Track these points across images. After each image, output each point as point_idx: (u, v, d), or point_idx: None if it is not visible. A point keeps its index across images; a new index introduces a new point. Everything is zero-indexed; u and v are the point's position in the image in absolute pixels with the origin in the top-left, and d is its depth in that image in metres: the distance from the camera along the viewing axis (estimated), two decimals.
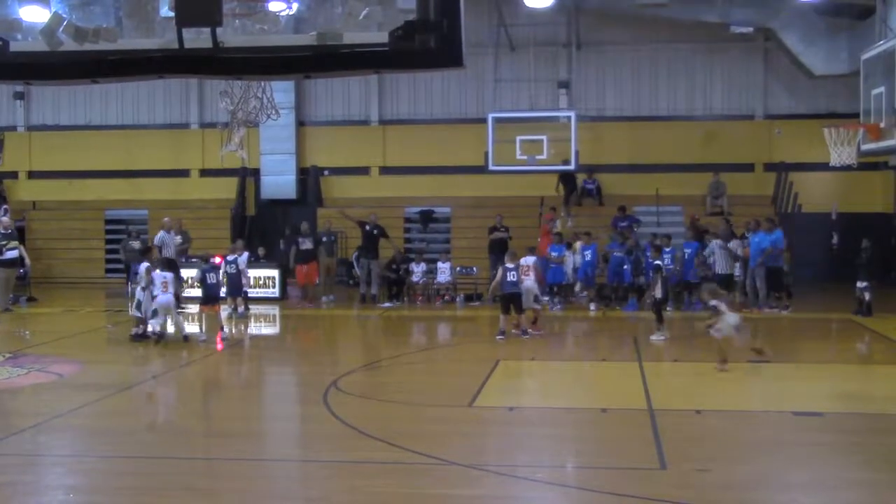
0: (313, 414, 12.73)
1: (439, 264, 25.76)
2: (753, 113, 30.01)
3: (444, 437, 11.40)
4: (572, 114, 25.88)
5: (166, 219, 24.66)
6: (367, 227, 24.74)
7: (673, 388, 14.45)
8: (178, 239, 26.39)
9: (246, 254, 23.20)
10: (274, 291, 25.28)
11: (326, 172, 31.43)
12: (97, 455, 10.96)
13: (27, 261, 24.68)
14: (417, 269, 25.47)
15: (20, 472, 10.29)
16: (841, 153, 21.51)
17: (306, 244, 24.81)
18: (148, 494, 9.34)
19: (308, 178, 31.26)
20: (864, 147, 20.63)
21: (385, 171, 31.37)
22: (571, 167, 26.05)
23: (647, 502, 8.80)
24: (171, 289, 17.89)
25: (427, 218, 30.14)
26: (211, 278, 19.66)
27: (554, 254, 24.05)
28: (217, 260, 23.05)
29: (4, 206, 29.79)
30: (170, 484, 9.69)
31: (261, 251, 26.50)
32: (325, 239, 25.35)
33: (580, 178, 29.47)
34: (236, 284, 22.46)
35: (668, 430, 11.42)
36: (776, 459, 10.42)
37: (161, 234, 24.08)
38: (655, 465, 10.08)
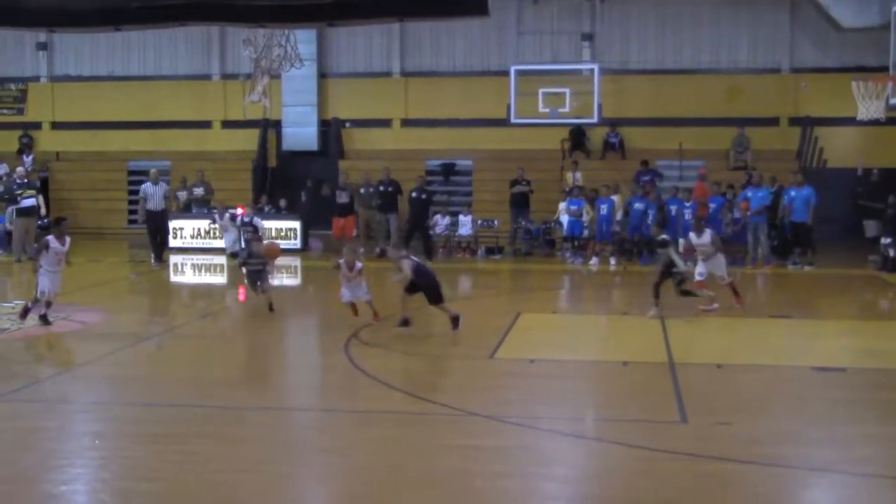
0: (334, 364, 12.79)
1: (461, 217, 25.75)
2: (779, 66, 29.68)
3: (465, 388, 11.45)
4: (595, 67, 25.66)
5: (153, 170, 24.58)
6: (382, 187, 24.74)
7: (694, 342, 14.44)
8: (201, 190, 26.47)
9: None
10: (296, 243, 25.32)
11: (348, 124, 31.34)
12: (121, 402, 11.07)
13: (43, 210, 24.76)
14: (442, 222, 25.48)
15: (46, 419, 10.41)
16: (869, 107, 21.29)
17: (343, 198, 24.72)
18: (171, 441, 9.42)
19: (330, 129, 31.18)
20: (894, 101, 20.39)
21: (407, 123, 31.27)
22: (594, 120, 25.86)
23: (668, 455, 8.82)
24: None
25: (449, 171, 30.06)
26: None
27: (573, 207, 24.00)
28: (239, 211, 23.11)
29: (32, 156, 29.94)
30: (192, 431, 9.77)
31: (282, 203, 26.52)
32: (363, 191, 25.24)
33: (602, 131, 29.27)
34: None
35: (688, 383, 11.43)
36: (797, 414, 10.42)
37: (145, 185, 23.95)
38: (676, 418, 10.10)
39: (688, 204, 23.12)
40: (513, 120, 25.47)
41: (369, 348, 13.48)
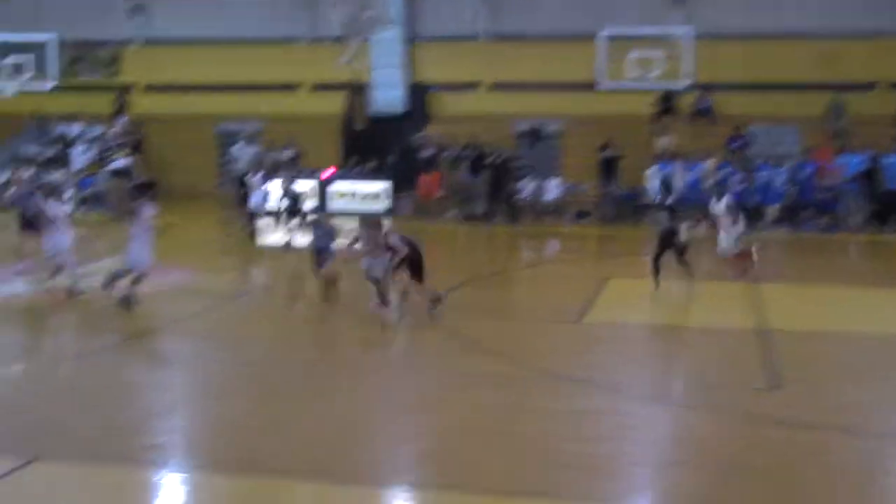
0: (423, 325, 12.84)
1: (548, 182, 25.61)
2: (879, 30, 28.81)
3: (554, 352, 11.43)
4: (687, 30, 25.23)
5: (242, 132, 24.74)
6: (468, 151, 24.65)
7: (787, 308, 14.19)
8: (290, 153, 26.71)
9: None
10: (384, 205, 25.43)
11: (435, 88, 31.28)
12: (214, 359, 11.25)
13: (135, 171, 25.15)
14: (528, 187, 25.40)
15: (141, 373, 10.67)
16: None
17: (427, 152, 24.65)
18: (260, 397, 9.58)
19: (417, 93, 31.17)
20: None
21: (494, 87, 31.10)
22: (685, 85, 25.48)
23: (757, 422, 8.72)
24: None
25: (536, 135, 29.86)
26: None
27: (662, 172, 23.70)
28: (328, 173, 23.17)
29: (125, 119, 30.45)
30: (283, 387, 9.93)
31: (370, 165, 26.64)
32: (446, 154, 25.14)
33: (693, 96, 28.77)
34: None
35: (779, 350, 11.25)
36: (891, 383, 10.21)
37: (234, 147, 24.04)
38: (766, 385, 9.96)
39: (782, 169, 22.69)
40: (602, 84, 25.22)
41: (459, 311, 13.48)
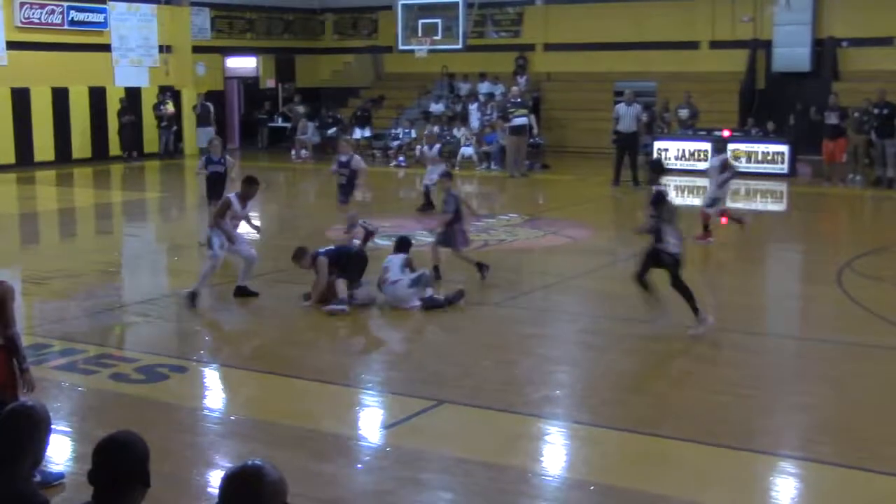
0: (825, 294, 12.26)
1: None
2: None
3: None
4: None
5: (627, 91, 24.46)
6: (876, 110, 23.04)
7: None
8: (686, 112, 26.36)
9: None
10: (783, 168, 24.50)
11: (845, 44, 29.54)
12: (608, 316, 11.36)
13: (535, 130, 25.78)
14: None
15: (539, 325, 11.02)
16: None
17: (832, 118, 23.49)
18: (660, 358, 9.58)
19: (823, 49, 29.59)
20: None
21: None
22: None
23: None
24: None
25: None
26: None
27: None
28: (726, 133, 22.68)
29: (525, 77, 31.35)
30: (680, 350, 9.87)
31: (770, 126, 25.72)
32: (857, 115, 23.79)
33: None
34: None
35: None
36: None
37: (618, 105, 23.85)
38: None
39: None
40: None
41: (865, 280, 12.78)
